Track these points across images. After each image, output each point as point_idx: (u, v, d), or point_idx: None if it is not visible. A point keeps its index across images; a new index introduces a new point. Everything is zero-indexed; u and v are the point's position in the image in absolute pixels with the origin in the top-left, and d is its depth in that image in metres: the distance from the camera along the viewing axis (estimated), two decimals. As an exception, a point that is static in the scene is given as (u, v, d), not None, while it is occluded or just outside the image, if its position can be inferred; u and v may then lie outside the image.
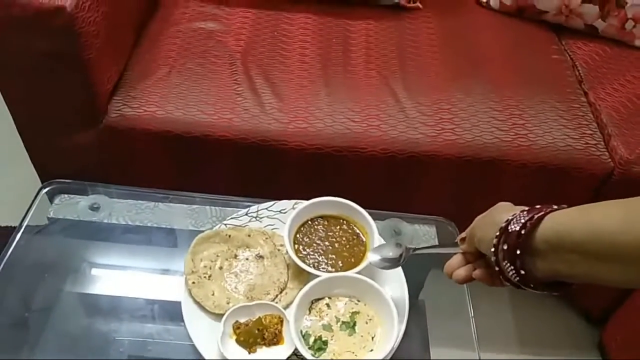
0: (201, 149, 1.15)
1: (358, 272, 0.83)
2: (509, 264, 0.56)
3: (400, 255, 0.80)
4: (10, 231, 0.93)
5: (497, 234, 0.57)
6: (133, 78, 1.19)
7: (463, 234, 0.69)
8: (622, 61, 1.37)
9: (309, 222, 0.91)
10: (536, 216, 0.54)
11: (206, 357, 0.77)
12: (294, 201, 0.95)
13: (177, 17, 1.32)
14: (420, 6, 1.43)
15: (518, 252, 0.55)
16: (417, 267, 0.95)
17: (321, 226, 0.91)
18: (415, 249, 0.80)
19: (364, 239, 0.89)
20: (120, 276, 0.95)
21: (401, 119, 1.17)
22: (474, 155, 1.15)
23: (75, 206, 0.98)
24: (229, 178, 1.22)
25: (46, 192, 0.98)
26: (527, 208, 0.58)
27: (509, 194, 1.21)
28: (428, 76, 1.26)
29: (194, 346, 0.79)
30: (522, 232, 0.54)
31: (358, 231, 0.90)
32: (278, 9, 1.36)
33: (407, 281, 0.86)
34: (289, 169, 1.19)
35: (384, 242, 0.87)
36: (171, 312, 0.85)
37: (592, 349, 1.40)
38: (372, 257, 0.82)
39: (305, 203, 0.91)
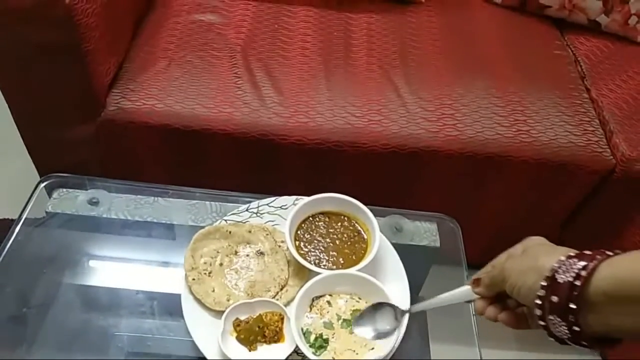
0: (201, 143, 1.14)
1: (359, 270, 0.83)
2: (559, 319, 0.50)
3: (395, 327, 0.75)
4: (7, 223, 0.92)
5: (544, 283, 0.51)
6: (132, 70, 1.17)
7: (477, 275, 0.63)
8: (625, 57, 1.36)
9: (310, 218, 0.90)
10: (591, 264, 0.49)
11: (206, 355, 0.77)
12: (294, 197, 0.94)
13: (176, 8, 1.30)
14: (423, 0, 1.41)
15: (572, 306, 0.49)
16: (418, 264, 0.95)
17: (322, 223, 0.90)
18: (410, 309, 0.75)
19: (365, 236, 0.89)
20: (119, 271, 0.94)
21: (402, 114, 1.16)
22: (475, 151, 1.14)
23: (73, 200, 0.96)
24: (228, 172, 1.21)
25: (44, 186, 0.97)
26: (573, 252, 0.52)
27: (510, 190, 1.22)
28: (430, 71, 1.25)
29: (193, 342, 0.78)
30: (577, 282, 0.48)
31: (359, 228, 0.90)
32: (279, 2, 1.35)
33: (407, 278, 0.86)
34: (289, 163, 1.18)
35: (372, 306, 0.78)
36: (171, 307, 0.85)
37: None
38: (364, 332, 0.76)
39: (306, 199, 0.90)
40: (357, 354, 0.77)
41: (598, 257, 0.49)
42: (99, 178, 1.00)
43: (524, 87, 1.23)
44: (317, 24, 1.32)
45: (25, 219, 0.93)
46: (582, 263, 0.49)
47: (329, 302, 0.82)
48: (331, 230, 0.89)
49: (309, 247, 0.87)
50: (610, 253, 0.50)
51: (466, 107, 1.18)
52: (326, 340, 0.78)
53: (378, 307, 0.78)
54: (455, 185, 1.22)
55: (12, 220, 0.92)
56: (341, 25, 1.33)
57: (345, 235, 0.89)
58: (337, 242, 0.88)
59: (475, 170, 1.17)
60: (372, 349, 0.78)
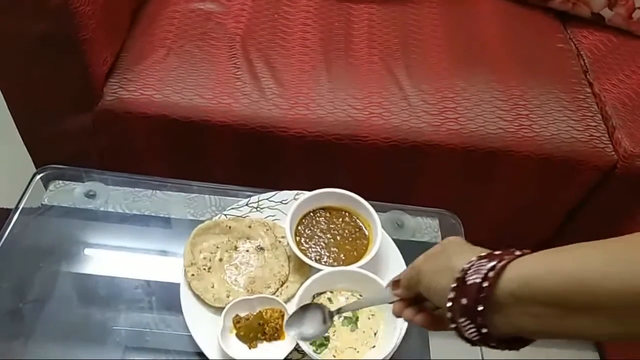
0: (199, 134, 1.12)
1: (361, 266, 0.82)
2: (468, 322, 0.49)
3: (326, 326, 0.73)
4: (3, 213, 0.90)
5: (454, 285, 0.49)
6: (129, 60, 1.15)
7: (397, 277, 0.62)
8: (629, 51, 1.34)
9: (311, 213, 0.89)
10: (499, 265, 0.47)
11: (206, 353, 0.76)
12: (295, 192, 0.93)
13: (175, -3, 1.28)
14: (424, -9, 1.40)
15: (480, 308, 0.47)
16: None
17: (323, 218, 0.89)
18: (338, 310, 0.72)
19: (367, 232, 0.88)
20: (117, 265, 0.93)
21: (404, 107, 1.14)
22: (477, 145, 1.13)
23: (70, 193, 0.95)
24: (227, 165, 1.19)
25: (40, 178, 0.96)
26: (484, 253, 0.50)
27: (512, 185, 1.21)
28: (431, 64, 1.23)
29: (191, 336, 0.78)
30: (484, 284, 0.47)
31: (361, 224, 0.89)
32: (279, -9, 1.33)
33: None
34: (288, 156, 1.17)
35: (303, 308, 0.76)
36: (170, 302, 0.84)
37: (590, 346, 1.40)
38: (294, 333, 0.74)
39: (307, 194, 0.89)
40: (358, 352, 0.77)
41: (506, 257, 0.48)
42: (96, 170, 0.98)
43: (526, 80, 1.22)
44: (318, 14, 1.30)
45: (22, 209, 0.91)
46: (491, 264, 0.48)
47: (329, 299, 0.81)
48: (332, 226, 0.88)
49: (309, 242, 0.86)
50: (519, 253, 0.48)
51: (468, 101, 1.17)
52: (327, 338, 0.77)
53: (306, 308, 0.75)
54: (457, 180, 1.21)
55: (8, 210, 0.91)
56: (342, 16, 1.31)
57: (346, 231, 0.88)
58: (338, 238, 0.87)
59: (476, 164, 1.16)
60: (373, 347, 0.77)
